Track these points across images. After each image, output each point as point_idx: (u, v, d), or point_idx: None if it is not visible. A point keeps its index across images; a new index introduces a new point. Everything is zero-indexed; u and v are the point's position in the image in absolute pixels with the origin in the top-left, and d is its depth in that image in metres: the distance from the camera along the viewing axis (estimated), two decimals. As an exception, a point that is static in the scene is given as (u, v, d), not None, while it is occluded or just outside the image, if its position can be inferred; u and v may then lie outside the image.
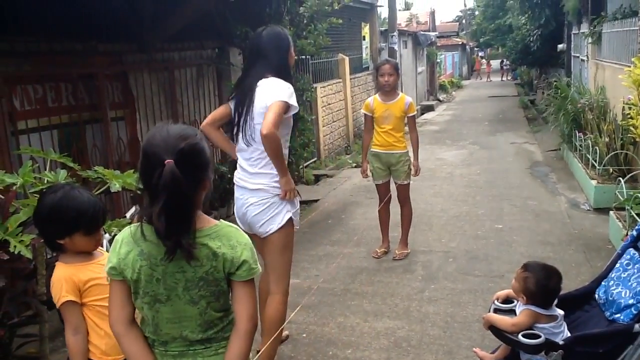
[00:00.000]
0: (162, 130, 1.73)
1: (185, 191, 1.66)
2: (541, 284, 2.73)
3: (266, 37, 3.27)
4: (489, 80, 35.80)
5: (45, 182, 2.96)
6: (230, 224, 1.85)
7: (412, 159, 5.38)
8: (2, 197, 2.90)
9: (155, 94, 6.23)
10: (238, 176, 3.34)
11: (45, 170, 3.15)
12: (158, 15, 5.77)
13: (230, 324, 1.85)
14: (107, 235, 3.54)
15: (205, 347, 1.83)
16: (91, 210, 2.23)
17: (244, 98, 3.21)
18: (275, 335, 3.22)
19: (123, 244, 1.79)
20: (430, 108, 20.40)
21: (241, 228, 3.54)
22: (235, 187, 3.38)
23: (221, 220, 1.85)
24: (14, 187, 2.91)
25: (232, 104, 3.33)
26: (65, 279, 2.17)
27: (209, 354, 1.83)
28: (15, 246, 2.65)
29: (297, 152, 6.70)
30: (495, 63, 42.14)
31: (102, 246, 3.43)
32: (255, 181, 3.23)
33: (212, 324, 1.82)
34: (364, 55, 14.52)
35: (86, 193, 2.30)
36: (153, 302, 1.79)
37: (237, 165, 3.36)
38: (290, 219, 3.29)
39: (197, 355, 1.83)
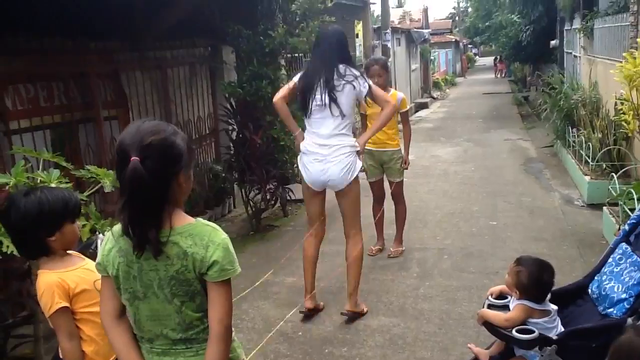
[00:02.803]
0: (133, 127, 1.73)
1: (151, 187, 1.64)
2: (534, 278, 2.74)
3: (332, 34, 4.05)
4: (502, 76, 35.61)
5: (38, 181, 2.95)
6: (208, 222, 1.80)
7: (403, 152, 5.40)
8: (-5, 197, 2.88)
9: (148, 92, 6.21)
10: (317, 143, 3.97)
11: (38, 170, 3.13)
12: (149, 12, 5.74)
13: None
14: (101, 236, 3.53)
15: (187, 348, 1.81)
16: (73, 196, 2.26)
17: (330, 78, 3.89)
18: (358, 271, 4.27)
19: (109, 240, 1.83)
20: (424, 105, 20.40)
21: (312, 189, 4.04)
22: (309, 154, 4.01)
23: (199, 218, 1.81)
24: (7, 187, 2.89)
25: (299, 83, 4.00)
26: (56, 285, 2.14)
27: (190, 355, 1.81)
28: (8, 246, 2.63)
29: (292, 151, 6.69)
30: (488, 60, 42.15)
31: (96, 247, 3.43)
32: (339, 141, 3.94)
33: (191, 325, 1.79)
34: (357, 53, 14.50)
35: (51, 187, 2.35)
36: (132, 299, 1.80)
37: (312, 136, 4.01)
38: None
39: (178, 355, 1.81)
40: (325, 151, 3.95)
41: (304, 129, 4.20)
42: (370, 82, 4.00)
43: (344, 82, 3.90)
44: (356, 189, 4.13)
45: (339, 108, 3.91)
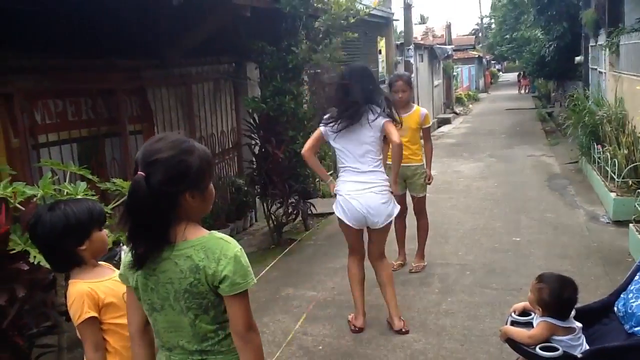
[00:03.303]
0: (150, 141, 1.76)
1: (149, 203, 1.67)
2: (555, 295, 2.71)
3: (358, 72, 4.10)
4: (526, 92, 35.42)
5: (65, 194, 3.01)
6: (222, 235, 1.81)
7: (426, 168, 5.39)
8: (23, 208, 2.95)
9: (173, 108, 6.31)
10: (353, 180, 4.02)
11: (65, 182, 3.19)
12: (175, 31, 5.85)
13: (226, 339, 1.82)
14: (124, 247, 3.58)
15: (203, 359, 1.82)
16: (96, 204, 2.30)
17: (358, 119, 3.94)
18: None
19: (129, 252, 1.85)
20: (447, 121, 20.32)
21: (353, 226, 4.08)
22: (345, 193, 4.02)
23: (213, 231, 1.81)
24: (35, 199, 2.96)
25: (327, 128, 4.03)
26: (87, 294, 2.17)
27: None
28: (35, 257, 2.68)
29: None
30: (512, 76, 41.90)
31: (119, 258, 3.47)
32: (375, 178, 4.02)
33: (206, 337, 1.80)
34: (380, 68, 14.55)
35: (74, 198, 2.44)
36: (151, 311, 1.83)
37: (347, 176, 4.05)
38: None
39: None
40: (362, 187, 3.99)
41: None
42: (387, 119, 3.99)
43: (373, 119, 3.94)
44: (390, 226, 4.20)
45: (370, 145, 3.98)
